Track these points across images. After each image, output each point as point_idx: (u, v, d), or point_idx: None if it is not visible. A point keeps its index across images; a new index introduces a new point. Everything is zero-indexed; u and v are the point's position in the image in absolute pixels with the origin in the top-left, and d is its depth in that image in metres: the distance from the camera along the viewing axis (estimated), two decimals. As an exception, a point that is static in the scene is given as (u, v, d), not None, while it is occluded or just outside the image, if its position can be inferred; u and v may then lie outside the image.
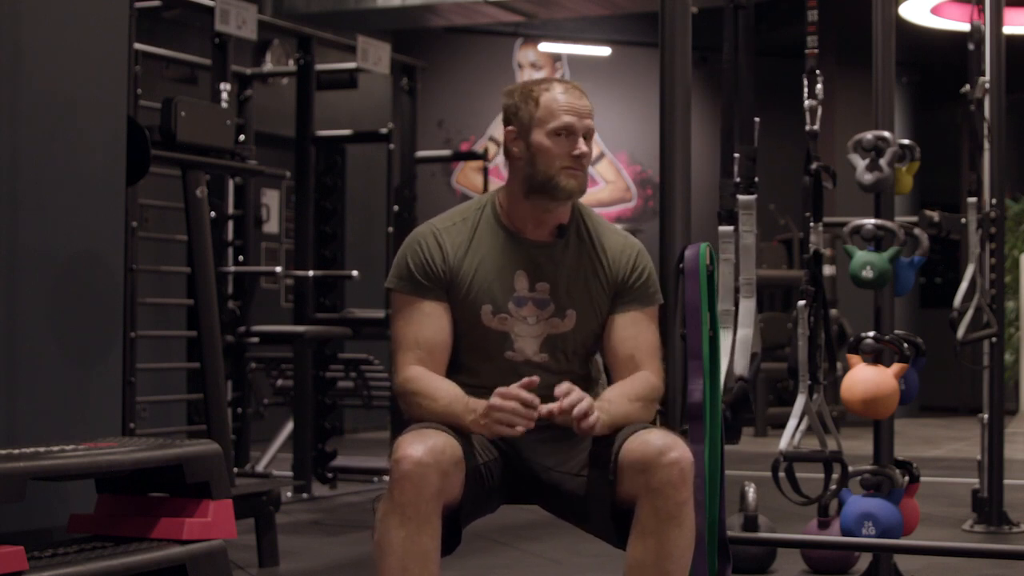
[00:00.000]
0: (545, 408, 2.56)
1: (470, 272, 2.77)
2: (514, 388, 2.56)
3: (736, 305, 3.51)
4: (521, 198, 2.80)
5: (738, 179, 3.56)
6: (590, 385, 2.86)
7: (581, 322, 2.80)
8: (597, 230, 2.87)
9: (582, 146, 2.78)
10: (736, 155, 3.57)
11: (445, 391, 2.67)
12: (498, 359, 2.77)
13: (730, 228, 3.52)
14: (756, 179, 3.56)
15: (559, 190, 2.77)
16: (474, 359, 2.79)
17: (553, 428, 2.75)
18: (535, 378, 2.59)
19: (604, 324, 2.82)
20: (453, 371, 2.79)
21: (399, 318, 2.78)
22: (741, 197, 3.54)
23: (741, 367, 3.44)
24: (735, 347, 3.46)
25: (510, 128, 2.83)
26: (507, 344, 2.77)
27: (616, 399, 2.70)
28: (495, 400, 2.56)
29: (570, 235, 2.83)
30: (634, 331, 2.80)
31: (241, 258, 6.10)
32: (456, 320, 2.77)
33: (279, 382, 6.83)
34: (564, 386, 2.59)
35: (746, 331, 3.49)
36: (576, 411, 2.55)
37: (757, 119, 3.58)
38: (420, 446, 2.51)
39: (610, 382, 2.81)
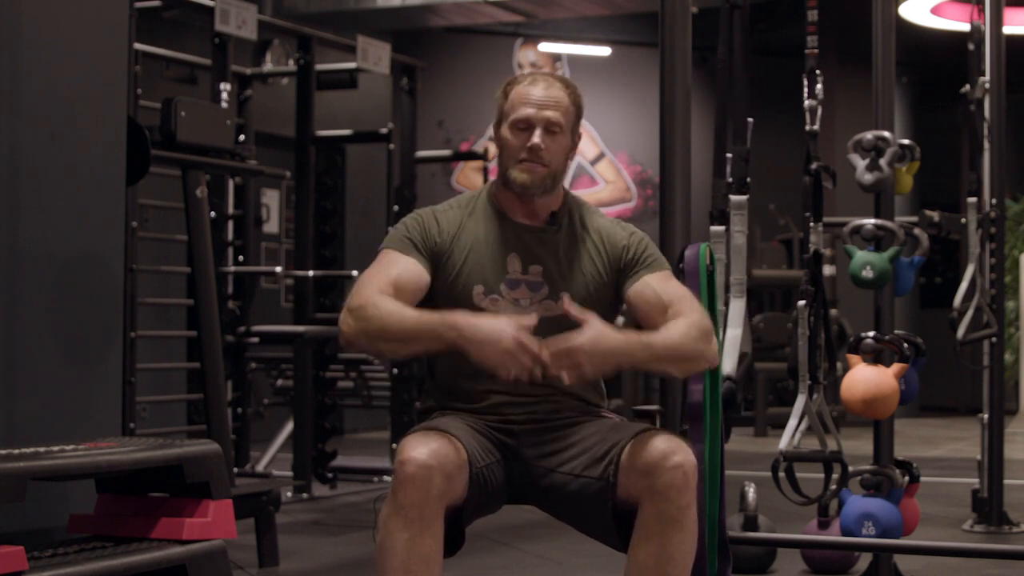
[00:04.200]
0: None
1: (463, 252, 2.78)
2: (533, 343, 2.49)
3: (726, 305, 3.51)
4: (504, 187, 2.83)
5: (730, 179, 3.56)
6: (591, 381, 2.85)
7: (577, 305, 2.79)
8: (591, 217, 2.87)
9: (535, 138, 2.74)
10: (729, 155, 3.58)
11: (414, 310, 2.61)
12: None
13: (721, 228, 3.52)
14: (748, 180, 3.56)
15: (512, 183, 2.77)
16: None
17: (554, 429, 2.75)
18: (534, 317, 2.55)
19: (605, 309, 2.79)
20: (450, 356, 2.76)
21: (374, 263, 2.75)
22: (733, 197, 3.55)
23: (729, 367, 3.44)
24: (724, 347, 3.46)
25: (494, 122, 2.87)
26: None
27: (664, 330, 2.64)
28: (515, 346, 2.47)
29: (562, 220, 2.83)
30: (658, 287, 2.76)
31: (241, 258, 6.10)
32: (449, 301, 2.75)
33: (279, 382, 6.83)
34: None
35: (735, 331, 3.49)
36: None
37: (751, 119, 3.59)
38: (424, 449, 2.50)
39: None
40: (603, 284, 2.81)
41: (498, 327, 2.51)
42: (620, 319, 2.89)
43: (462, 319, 2.55)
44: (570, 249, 2.82)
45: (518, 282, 2.78)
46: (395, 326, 2.59)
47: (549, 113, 2.76)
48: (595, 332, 2.53)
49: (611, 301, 2.83)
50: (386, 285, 2.67)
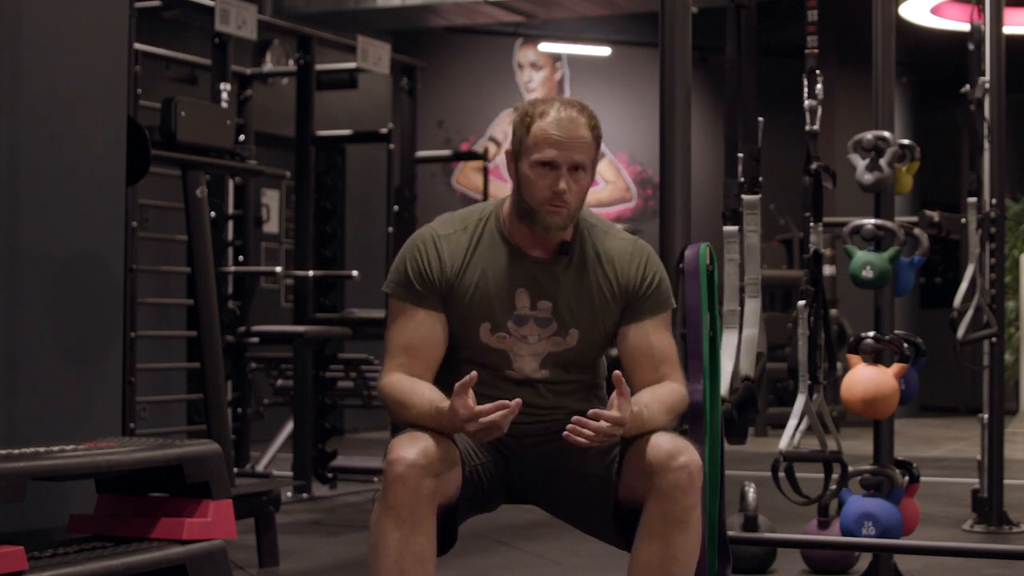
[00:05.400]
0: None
1: (469, 287, 2.73)
2: (481, 408, 2.50)
3: (741, 305, 3.51)
4: (517, 218, 2.76)
5: (742, 179, 3.55)
6: (593, 390, 2.85)
7: (584, 339, 2.76)
8: (603, 240, 2.80)
9: (562, 183, 2.67)
10: (740, 155, 3.57)
11: (417, 397, 2.63)
12: (498, 375, 2.75)
13: (735, 228, 3.51)
14: (760, 179, 3.56)
15: (539, 225, 2.70)
16: (474, 372, 2.76)
17: (556, 431, 2.75)
18: (518, 401, 2.53)
19: (611, 334, 2.78)
20: (456, 379, 2.77)
21: (393, 323, 2.76)
22: (746, 197, 3.53)
23: (747, 367, 3.44)
24: (741, 347, 3.45)
25: (507, 149, 2.78)
26: (506, 363, 2.74)
27: (653, 405, 2.65)
28: (474, 427, 2.50)
29: (574, 251, 2.76)
30: (653, 340, 2.75)
31: (241, 258, 6.10)
32: (454, 335, 2.74)
33: (279, 382, 6.83)
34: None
35: (752, 331, 3.49)
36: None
37: (760, 119, 3.58)
38: (413, 448, 2.50)
39: (614, 366, 2.78)
40: (612, 314, 2.77)
41: (455, 421, 2.53)
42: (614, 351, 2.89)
43: (440, 415, 2.56)
44: (580, 282, 2.76)
45: (526, 318, 2.74)
46: (404, 421, 2.66)
47: (578, 156, 2.69)
48: (634, 415, 2.57)
49: (616, 330, 2.80)
50: (404, 359, 2.71)
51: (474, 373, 2.53)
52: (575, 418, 2.51)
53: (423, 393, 2.64)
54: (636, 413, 2.57)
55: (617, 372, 2.57)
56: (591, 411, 2.52)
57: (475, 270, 2.74)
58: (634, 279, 2.77)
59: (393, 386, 2.69)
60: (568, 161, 2.68)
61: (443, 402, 2.56)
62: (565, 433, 2.51)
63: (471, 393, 2.51)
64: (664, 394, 2.70)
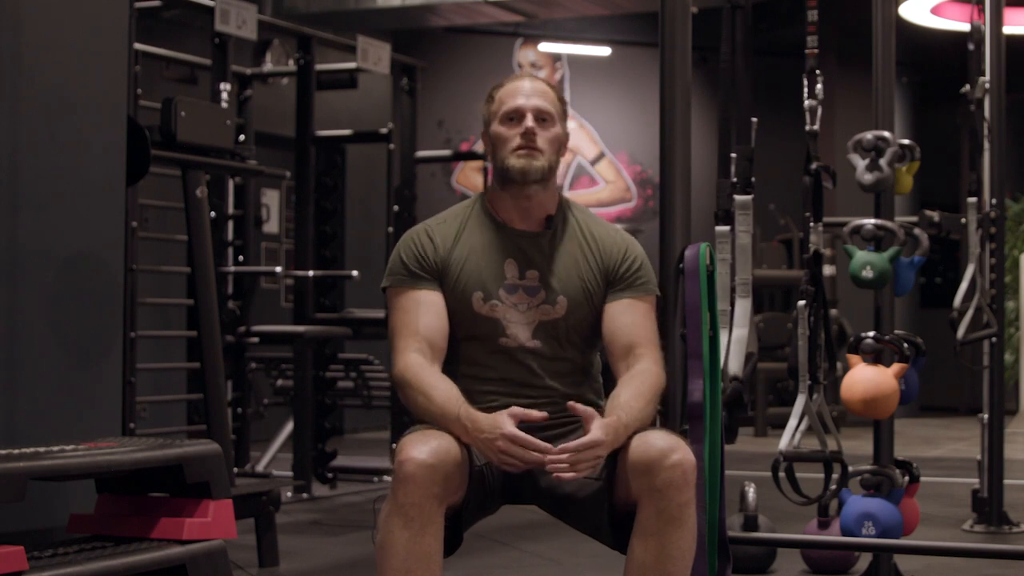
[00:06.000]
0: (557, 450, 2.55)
1: (460, 261, 2.81)
2: (527, 437, 2.54)
3: (732, 305, 3.51)
4: (500, 190, 2.86)
5: (735, 179, 3.55)
6: (589, 378, 2.88)
7: (572, 309, 2.81)
8: (587, 221, 2.91)
9: (528, 121, 2.80)
10: (733, 155, 3.57)
11: (441, 391, 2.65)
12: (493, 346, 2.79)
13: (726, 228, 3.51)
14: (752, 179, 3.56)
15: (511, 171, 2.80)
16: (471, 348, 2.81)
17: (555, 429, 2.76)
18: (544, 414, 2.59)
19: (599, 312, 2.83)
20: (453, 361, 2.80)
21: (396, 310, 2.80)
22: (737, 197, 3.54)
23: (736, 367, 3.44)
24: (730, 347, 3.45)
25: (484, 129, 2.91)
26: (500, 331, 2.79)
27: (630, 403, 2.66)
28: (504, 444, 2.53)
29: (558, 225, 2.87)
30: (629, 319, 2.80)
31: (241, 258, 6.10)
32: (450, 312, 2.80)
33: (279, 382, 6.83)
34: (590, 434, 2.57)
35: (741, 331, 3.49)
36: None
37: (755, 119, 3.58)
38: (424, 448, 2.51)
39: (609, 370, 2.82)
40: (597, 290, 2.84)
41: (493, 426, 2.55)
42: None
43: (466, 417, 2.59)
44: (566, 252, 2.84)
45: (516, 287, 2.81)
46: (422, 410, 2.67)
47: (537, 101, 2.83)
48: (611, 427, 2.57)
49: (602, 309, 2.84)
50: (419, 341, 2.74)
51: (545, 414, 2.61)
52: (549, 458, 2.53)
53: (447, 389, 2.67)
54: (614, 422, 2.59)
55: (571, 402, 2.61)
56: (560, 446, 2.54)
57: (465, 246, 2.83)
58: (616, 258, 2.86)
59: (413, 371, 2.70)
60: (533, 108, 2.82)
61: (471, 410, 2.60)
62: (555, 476, 2.54)
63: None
64: (639, 385, 2.72)
